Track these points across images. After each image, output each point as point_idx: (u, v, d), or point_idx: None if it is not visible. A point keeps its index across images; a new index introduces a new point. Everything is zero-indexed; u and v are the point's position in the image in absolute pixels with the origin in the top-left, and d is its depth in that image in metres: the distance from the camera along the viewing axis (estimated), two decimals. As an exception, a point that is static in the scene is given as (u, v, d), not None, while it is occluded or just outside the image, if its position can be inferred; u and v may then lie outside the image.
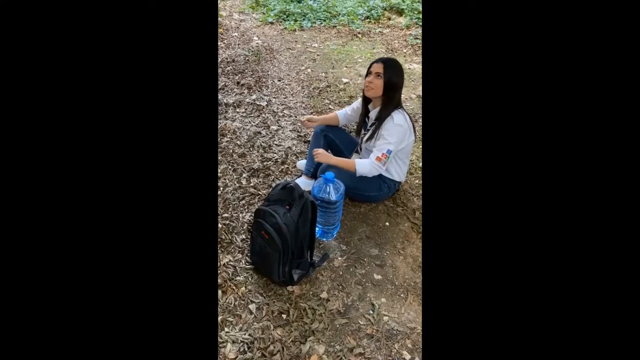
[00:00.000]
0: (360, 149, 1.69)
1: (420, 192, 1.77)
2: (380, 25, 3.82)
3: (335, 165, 1.51)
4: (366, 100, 1.62)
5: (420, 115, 2.35)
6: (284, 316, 1.21)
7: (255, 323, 1.18)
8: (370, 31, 3.68)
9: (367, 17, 3.93)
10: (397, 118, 1.49)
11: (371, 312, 1.25)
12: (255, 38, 3.46)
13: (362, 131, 1.64)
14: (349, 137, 1.79)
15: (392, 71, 1.48)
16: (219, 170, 1.81)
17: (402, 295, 1.31)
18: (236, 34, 3.51)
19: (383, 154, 1.49)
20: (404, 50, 3.28)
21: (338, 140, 1.74)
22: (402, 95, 2.55)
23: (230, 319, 1.19)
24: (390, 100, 1.51)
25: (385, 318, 1.23)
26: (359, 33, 3.63)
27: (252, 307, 1.23)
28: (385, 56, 1.65)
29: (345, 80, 2.77)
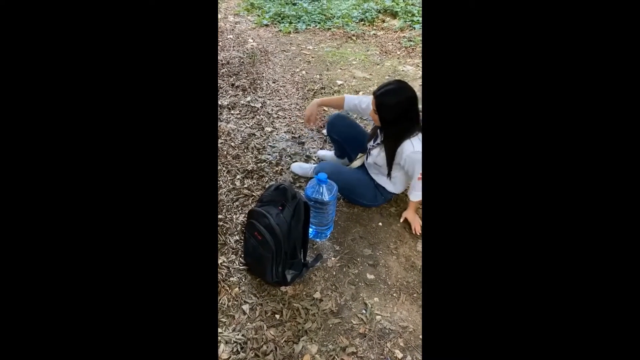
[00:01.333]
0: (368, 155, 1.63)
1: (413, 192, 1.78)
2: (374, 27, 3.85)
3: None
4: None
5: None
6: (277, 316, 1.22)
7: (248, 323, 1.19)
8: (364, 33, 3.70)
9: (362, 20, 3.95)
10: (417, 145, 1.42)
11: (364, 311, 1.26)
12: (250, 40, 3.47)
13: (372, 142, 1.60)
14: (356, 138, 1.71)
15: (385, 108, 1.40)
16: (213, 172, 1.81)
17: (394, 294, 1.32)
18: (231, 36, 3.52)
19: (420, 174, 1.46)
20: (398, 52, 3.30)
21: (342, 140, 1.73)
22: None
23: (223, 319, 1.20)
24: (391, 130, 1.45)
25: (378, 317, 1.24)
26: (354, 35, 3.65)
27: (246, 307, 1.24)
28: (387, 82, 1.47)
29: (339, 82, 2.79)
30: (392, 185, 1.60)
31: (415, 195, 1.54)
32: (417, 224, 1.56)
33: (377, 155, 1.56)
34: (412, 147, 1.42)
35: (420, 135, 1.45)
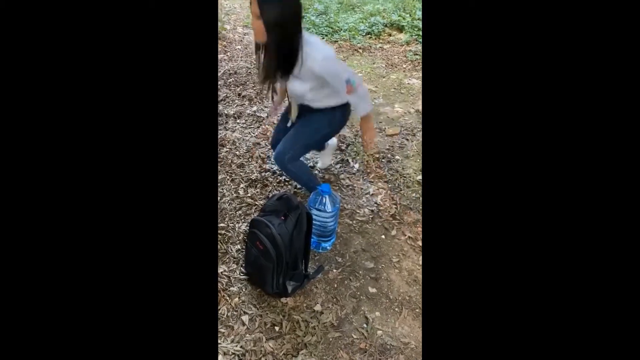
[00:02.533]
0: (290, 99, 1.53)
1: (417, 205, 1.77)
2: (380, 41, 3.88)
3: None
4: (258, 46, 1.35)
5: (419, 129, 2.37)
6: (277, 328, 1.20)
7: (247, 335, 1.17)
8: (370, 46, 3.74)
9: (368, 33, 3.99)
10: (320, 52, 1.28)
11: (365, 325, 1.24)
12: (258, 51, 3.52)
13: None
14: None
15: (270, 6, 1.20)
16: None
17: (396, 309, 1.30)
18: (239, 46, 3.57)
19: (347, 86, 1.32)
20: (404, 66, 3.32)
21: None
22: (400, 109, 2.58)
23: (222, 330, 1.18)
24: (278, 36, 1.26)
25: (379, 332, 1.22)
26: (360, 48, 3.69)
27: (245, 318, 1.22)
28: None
29: (345, 93, 2.81)
30: (325, 98, 1.44)
31: (360, 110, 1.45)
32: (369, 135, 1.49)
33: (292, 89, 1.43)
34: (320, 55, 1.29)
35: (313, 41, 1.31)
